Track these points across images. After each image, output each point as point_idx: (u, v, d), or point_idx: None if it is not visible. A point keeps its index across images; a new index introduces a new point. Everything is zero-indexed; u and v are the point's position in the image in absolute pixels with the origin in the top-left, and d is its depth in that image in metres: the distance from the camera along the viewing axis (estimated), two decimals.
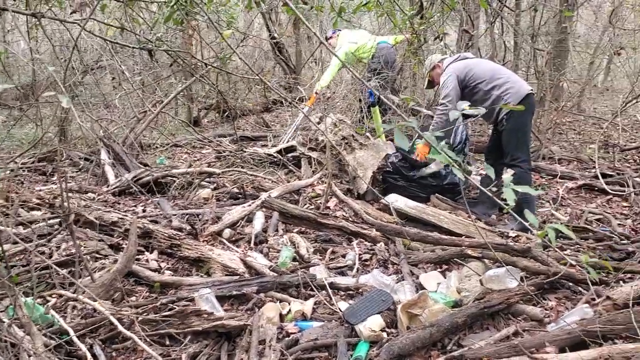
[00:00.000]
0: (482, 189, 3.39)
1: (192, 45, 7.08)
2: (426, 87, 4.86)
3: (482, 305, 2.62)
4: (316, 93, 6.18)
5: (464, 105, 1.51)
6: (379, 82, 5.75)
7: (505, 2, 7.23)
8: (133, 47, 3.31)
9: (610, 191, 4.92)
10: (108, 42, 4.44)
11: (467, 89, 4.24)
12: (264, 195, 4.24)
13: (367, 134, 5.34)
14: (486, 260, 3.20)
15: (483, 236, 3.26)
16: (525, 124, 4.16)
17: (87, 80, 8.06)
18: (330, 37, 6.72)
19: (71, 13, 2.54)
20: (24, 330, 2.35)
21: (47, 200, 4.32)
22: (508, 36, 7.82)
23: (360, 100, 5.97)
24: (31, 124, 7.61)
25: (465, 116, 3.97)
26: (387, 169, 4.62)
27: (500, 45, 7.50)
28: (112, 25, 3.07)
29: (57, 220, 3.93)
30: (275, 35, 10.06)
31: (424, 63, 4.88)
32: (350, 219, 4.12)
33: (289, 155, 5.71)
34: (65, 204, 2.93)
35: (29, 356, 2.23)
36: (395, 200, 4.16)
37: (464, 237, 3.61)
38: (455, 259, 3.34)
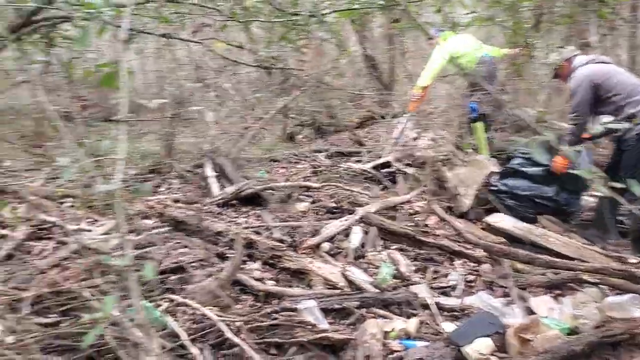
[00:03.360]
0: (604, 212, 3.18)
1: (304, 62, 7.22)
2: (552, 78, 4.59)
3: (603, 333, 2.45)
4: (416, 95, 6.03)
5: (605, 119, 1.43)
6: (482, 97, 5.59)
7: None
8: (251, 65, 3.46)
9: None
10: (217, 60, 4.65)
11: (599, 98, 3.91)
12: (360, 211, 4.24)
13: (469, 150, 5.21)
14: (604, 287, 2.99)
15: (601, 261, 3.06)
16: None
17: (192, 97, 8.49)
18: (432, 38, 6.45)
19: (192, 33, 2.69)
20: (142, 331, 2.48)
21: (157, 210, 4.56)
22: (620, 49, 7.37)
23: (461, 115, 5.83)
24: (143, 138, 8.14)
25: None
26: (492, 187, 4.47)
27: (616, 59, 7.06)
28: (232, 45, 3.22)
29: (167, 228, 4.15)
30: (369, 51, 10.10)
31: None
32: (451, 237, 4.02)
33: (384, 170, 5.68)
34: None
35: (147, 356, 2.35)
36: (501, 219, 4.01)
37: (576, 260, 3.41)
38: (568, 284, 3.16)
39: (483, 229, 4.19)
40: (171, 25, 2.95)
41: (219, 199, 5.07)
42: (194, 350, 2.42)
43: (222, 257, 3.71)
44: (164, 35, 1.99)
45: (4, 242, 4.00)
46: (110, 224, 4.41)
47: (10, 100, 8.08)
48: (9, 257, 3.87)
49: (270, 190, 5.01)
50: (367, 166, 5.81)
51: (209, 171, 5.72)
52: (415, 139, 5.00)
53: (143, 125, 9.83)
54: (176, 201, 5.22)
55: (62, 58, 2.30)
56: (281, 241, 3.86)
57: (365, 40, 10.31)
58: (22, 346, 2.52)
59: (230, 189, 5.13)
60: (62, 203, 5.10)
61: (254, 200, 5.00)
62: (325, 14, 2.66)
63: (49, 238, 4.43)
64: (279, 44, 3.93)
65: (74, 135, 1.72)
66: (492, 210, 4.36)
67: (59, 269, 3.89)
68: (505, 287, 3.28)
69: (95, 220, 4.73)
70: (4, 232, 4.30)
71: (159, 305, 3.06)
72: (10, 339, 2.57)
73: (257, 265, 3.59)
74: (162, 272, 3.52)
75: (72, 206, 4.90)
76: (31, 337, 2.69)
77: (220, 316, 2.74)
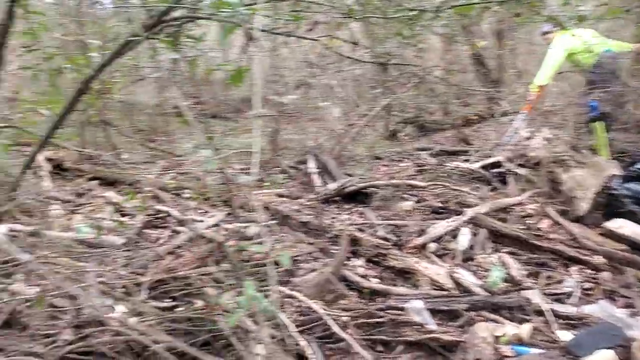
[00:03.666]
0: None
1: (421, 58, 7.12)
2: None
3: None
4: (532, 95, 5.75)
5: None
6: (603, 95, 5.22)
7: None
8: (367, 62, 3.46)
9: None
10: (325, 58, 4.70)
11: None
12: (469, 211, 4.10)
13: (586, 151, 4.88)
14: None
15: None
16: None
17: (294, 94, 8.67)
18: (548, 32, 6.10)
19: (307, 30, 2.73)
20: (253, 320, 2.56)
21: (263, 203, 4.70)
22: None
23: (579, 114, 5.47)
24: (245, 134, 8.43)
25: None
26: (613, 190, 4.15)
27: None
28: (347, 42, 3.24)
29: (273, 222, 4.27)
30: (478, 46, 9.76)
31: None
32: (566, 242, 3.79)
33: (494, 171, 5.46)
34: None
35: (258, 345, 2.42)
36: (623, 225, 3.71)
37: None
38: None
39: (602, 234, 3.89)
40: (288, 23, 3.01)
41: (322, 195, 5.13)
42: (302, 342, 2.46)
43: (326, 252, 3.75)
44: (284, 34, 2.03)
45: (124, 230, 4.32)
46: (221, 215, 4.61)
47: (129, 96, 8.65)
48: (129, 243, 4.16)
49: (373, 188, 4.98)
50: (476, 166, 5.62)
51: (312, 167, 5.81)
52: (528, 138, 4.75)
53: (247, 121, 10.21)
54: (280, 196, 5.35)
55: (186, 57, 2.42)
56: (386, 239, 3.82)
57: (472, 35, 9.98)
58: (144, 327, 2.69)
59: (333, 186, 5.17)
60: (177, 194, 5.41)
61: (356, 197, 5.01)
62: (443, 9, 2.60)
63: (164, 227, 4.72)
64: (395, 39, 3.89)
65: (202, 130, 1.79)
66: (610, 216, 4.05)
67: (173, 256, 4.13)
68: (629, 298, 3.04)
69: (206, 212, 4.97)
70: (123, 219, 4.64)
71: (267, 296, 3.15)
72: (133, 320, 2.76)
73: (360, 262, 3.59)
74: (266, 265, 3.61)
75: (189, 198, 5.15)
76: (151, 320, 2.87)
77: (327, 310, 2.77)
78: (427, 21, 2.68)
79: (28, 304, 3.06)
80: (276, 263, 2.38)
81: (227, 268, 3.18)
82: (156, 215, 4.87)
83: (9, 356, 2.44)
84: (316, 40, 2.59)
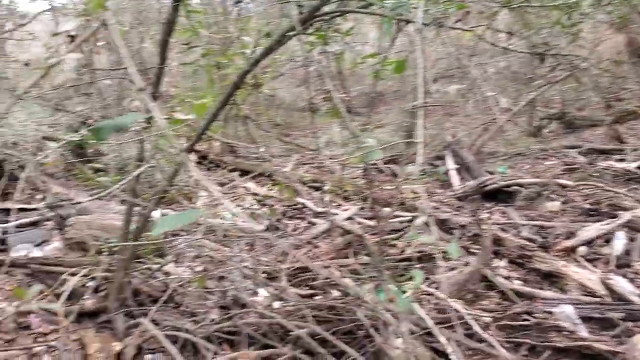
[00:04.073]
0: None
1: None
2: None
3: None
4: None
5: None
6: None
7: None
8: (523, 52, 3.30)
9: None
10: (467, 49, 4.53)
11: None
12: (625, 214, 3.75)
13: None
14: None
15: None
16: None
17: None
18: None
19: (455, 22, 2.66)
20: (391, 313, 2.54)
21: (399, 199, 4.67)
22: None
23: None
24: (378, 130, 8.42)
25: None
26: None
27: None
28: (501, 31, 3.10)
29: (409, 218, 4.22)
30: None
31: None
32: None
33: None
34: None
35: (397, 338, 2.41)
36: None
37: None
38: None
39: None
40: (441, 13, 2.92)
41: (460, 192, 4.98)
42: (442, 338, 2.40)
43: (466, 250, 3.63)
44: (439, 24, 1.98)
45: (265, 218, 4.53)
46: (354, 209, 4.66)
47: (274, 91, 9.00)
48: (268, 231, 4.35)
49: (517, 187, 4.73)
50: (633, 165, 5.12)
51: (450, 163, 5.66)
52: None
53: (380, 116, 10.22)
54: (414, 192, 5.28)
55: (332, 51, 2.47)
56: (531, 240, 3.62)
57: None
58: (287, 312, 2.80)
59: (472, 183, 5.00)
60: (312, 187, 5.56)
61: (497, 195, 4.80)
62: None
63: (300, 218, 4.87)
64: (551, 29, 3.63)
65: (351, 122, 1.81)
66: None
67: (311, 245, 4.25)
68: None
69: (340, 205, 5.05)
70: (265, 209, 4.87)
71: (405, 292, 3.12)
72: (277, 305, 2.88)
73: (503, 263, 3.43)
74: (405, 260, 3.59)
75: (326, 191, 5.27)
76: (292, 306, 2.98)
77: (467, 310, 2.68)
78: (589, 7, 2.46)
79: (181, 283, 3.33)
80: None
81: (366, 260, 3.21)
82: (293, 207, 5.06)
83: (163, 330, 2.65)
84: (470, 30, 2.50)
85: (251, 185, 5.42)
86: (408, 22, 1.70)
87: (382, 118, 10.18)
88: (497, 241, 3.50)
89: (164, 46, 2.31)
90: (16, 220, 4.45)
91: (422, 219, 1.28)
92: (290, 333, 2.54)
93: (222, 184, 5.73)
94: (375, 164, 6.52)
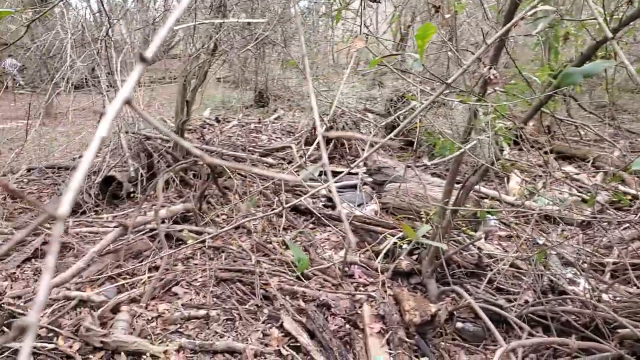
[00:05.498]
0: None
1: None
2: None
3: None
4: None
5: None
6: None
7: None
8: None
9: None
10: None
11: None
12: None
13: None
14: None
15: None
16: None
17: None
18: None
19: None
20: None
21: None
22: None
23: None
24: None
25: None
26: None
27: None
28: None
29: None
30: None
31: None
32: None
33: None
34: None
35: None
36: None
37: None
38: None
39: None
40: None
41: None
42: None
43: None
44: None
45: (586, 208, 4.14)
46: None
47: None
48: (591, 221, 3.98)
49: None
50: None
51: None
52: None
53: None
54: None
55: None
56: None
57: None
58: (613, 308, 2.54)
59: None
60: None
61: None
62: None
63: (629, 210, 4.32)
64: None
65: None
66: None
67: None
68: None
69: None
70: (583, 195, 4.46)
71: None
72: (605, 298, 2.65)
73: None
74: None
75: None
76: (620, 302, 2.69)
77: None
78: None
79: (494, 260, 3.32)
80: None
81: None
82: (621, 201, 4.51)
83: (476, 302, 2.68)
84: None
85: (570, 168, 5.04)
86: None
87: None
88: None
89: (509, 16, 2.27)
90: (341, 182, 5.06)
91: None
92: (618, 330, 2.32)
93: (537, 166, 5.47)
94: None
